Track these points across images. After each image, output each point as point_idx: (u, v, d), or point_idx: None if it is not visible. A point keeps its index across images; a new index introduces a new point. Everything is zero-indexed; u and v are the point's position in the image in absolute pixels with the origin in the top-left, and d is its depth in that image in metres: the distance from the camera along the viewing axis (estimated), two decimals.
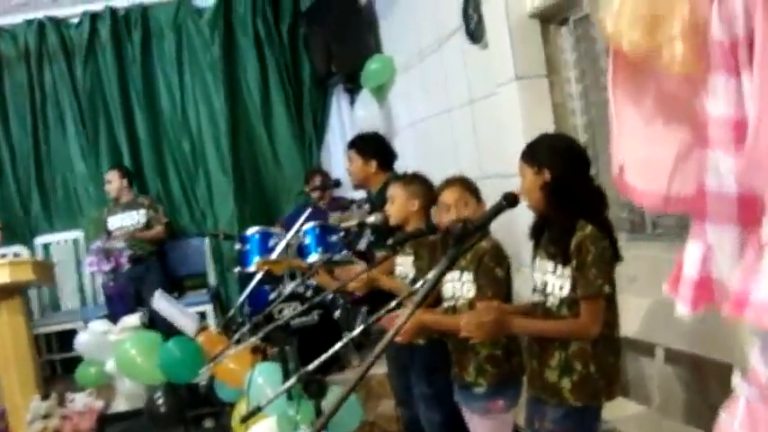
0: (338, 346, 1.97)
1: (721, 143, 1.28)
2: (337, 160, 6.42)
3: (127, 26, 6.28)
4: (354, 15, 5.64)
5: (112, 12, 6.20)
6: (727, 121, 1.26)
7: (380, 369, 3.64)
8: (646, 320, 2.64)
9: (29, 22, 6.14)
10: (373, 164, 3.96)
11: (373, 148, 4.02)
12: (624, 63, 1.43)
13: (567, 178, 2.18)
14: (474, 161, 4.03)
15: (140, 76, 6.27)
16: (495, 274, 2.54)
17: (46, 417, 4.01)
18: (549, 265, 2.22)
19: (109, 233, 5.72)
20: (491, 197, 2.89)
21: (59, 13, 6.18)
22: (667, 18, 1.30)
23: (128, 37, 6.28)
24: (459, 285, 2.61)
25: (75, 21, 6.24)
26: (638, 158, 1.46)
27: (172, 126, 6.38)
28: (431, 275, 1.43)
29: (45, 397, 4.25)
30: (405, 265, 3.07)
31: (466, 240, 1.41)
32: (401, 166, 4.24)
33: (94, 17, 6.21)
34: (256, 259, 4.85)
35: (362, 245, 4.12)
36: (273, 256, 4.45)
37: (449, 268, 1.44)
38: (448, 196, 2.74)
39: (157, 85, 6.37)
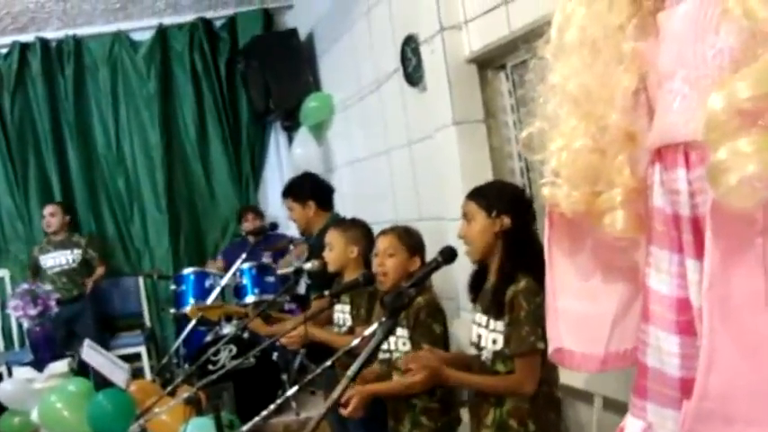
0: (273, 407, 1.91)
1: (663, 322, 1.21)
2: (275, 198, 6.32)
3: (59, 58, 6.10)
4: (293, 52, 5.61)
5: (44, 43, 6.03)
6: (669, 303, 1.20)
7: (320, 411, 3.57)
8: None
9: None
10: (311, 206, 3.90)
11: (308, 189, 3.96)
12: (560, 220, 1.39)
13: (524, 228, 2.19)
14: (412, 203, 4.02)
15: (73, 109, 6.09)
16: (432, 330, 2.51)
17: None
18: (483, 318, 2.20)
19: (38, 272, 5.52)
20: (429, 239, 2.90)
21: None
22: (608, 190, 1.27)
23: (60, 70, 6.10)
24: (393, 339, 2.57)
25: (4, 51, 6.04)
26: (573, 318, 1.42)
27: (106, 162, 6.21)
28: (367, 344, 1.39)
29: None
30: (343, 312, 3.03)
31: (401, 311, 1.38)
32: (338, 205, 4.21)
33: (24, 48, 6.02)
34: (191, 302, 4.76)
35: (301, 289, 4.08)
36: (210, 298, 4.37)
37: (384, 339, 1.40)
38: (378, 244, 2.72)
39: (91, 119, 6.19)
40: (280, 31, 6.14)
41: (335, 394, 1.35)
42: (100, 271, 5.78)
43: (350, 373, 1.34)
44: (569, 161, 1.28)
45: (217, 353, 4.24)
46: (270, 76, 5.56)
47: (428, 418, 2.53)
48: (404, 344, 2.54)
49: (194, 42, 6.22)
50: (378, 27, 4.21)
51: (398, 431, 2.60)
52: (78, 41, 6.12)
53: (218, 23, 6.29)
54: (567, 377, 2.62)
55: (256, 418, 1.94)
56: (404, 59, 3.75)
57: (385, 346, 2.60)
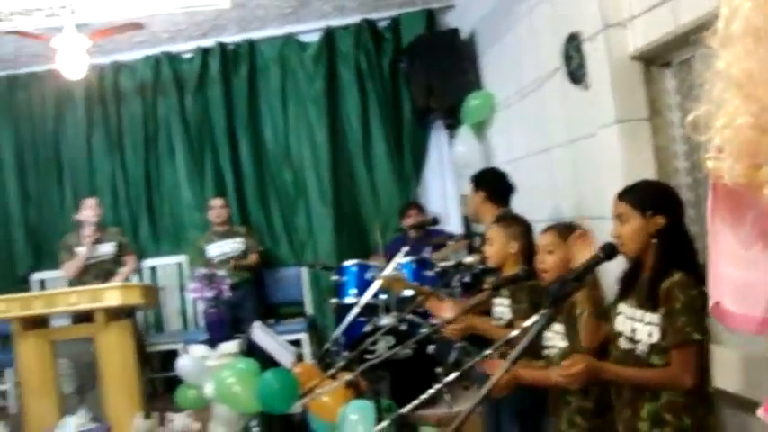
0: (432, 390, 1.99)
1: None
2: (435, 196, 6.47)
3: (235, 61, 6.51)
4: (455, 51, 5.69)
5: (222, 47, 6.45)
6: None
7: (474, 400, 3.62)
8: (751, 376, 2.55)
9: (146, 58, 6.46)
10: (481, 195, 3.95)
11: (485, 179, 4.03)
12: (723, 192, 1.45)
13: (677, 226, 2.22)
14: (572, 201, 4.00)
15: (246, 108, 6.49)
16: None
17: None
18: (638, 312, 2.20)
19: (208, 260, 5.92)
20: None
21: (174, 48, 6.47)
22: (767, 164, 1.31)
23: (235, 71, 6.51)
24: (551, 335, 2.58)
25: (188, 56, 6.53)
26: (734, 283, 1.46)
27: (275, 157, 6.55)
28: (528, 333, 1.44)
29: (147, 416, 4.45)
30: (501, 306, 3.07)
31: (563, 300, 1.41)
32: None
33: (206, 52, 6.47)
34: (352, 292, 4.93)
35: (466, 278, 4.14)
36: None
37: (545, 327, 1.45)
38: (540, 240, 2.75)
39: (262, 117, 6.56)
40: (442, 30, 6.24)
41: (494, 378, 1.41)
42: (252, 258, 6.08)
43: (512, 356, 1.39)
44: (731, 136, 1.35)
45: (375, 343, 4.38)
46: (432, 75, 5.67)
47: (582, 418, 2.53)
48: (561, 339, 2.55)
49: (359, 43, 6.43)
50: (540, 26, 4.22)
51: (557, 427, 2.61)
52: (252, 45, 6.50)
53: (382, 24, 6.47)
54: (731, 384, 2.53)
55: (415, 401, 2.03)
56: (567, 57, 3.74)
57: (544, 342, 2.62)
